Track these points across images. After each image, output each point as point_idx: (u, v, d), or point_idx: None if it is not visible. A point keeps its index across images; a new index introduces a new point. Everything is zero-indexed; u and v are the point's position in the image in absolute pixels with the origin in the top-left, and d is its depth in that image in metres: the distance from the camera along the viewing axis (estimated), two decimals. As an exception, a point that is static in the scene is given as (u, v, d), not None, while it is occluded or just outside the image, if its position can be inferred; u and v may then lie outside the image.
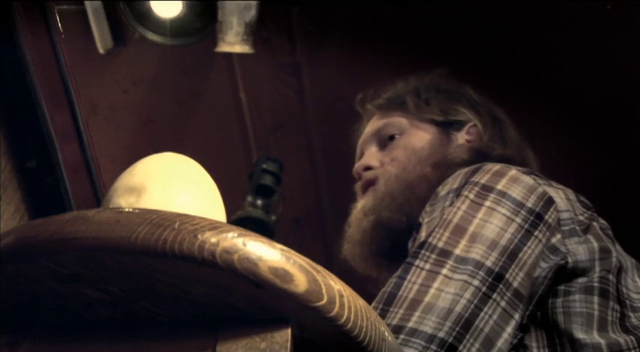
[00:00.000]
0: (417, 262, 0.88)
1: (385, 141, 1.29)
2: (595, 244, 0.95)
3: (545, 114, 1.72)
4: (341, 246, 1.29)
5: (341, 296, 0.57)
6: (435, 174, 1.15)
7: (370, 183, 1.26)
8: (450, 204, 0.94)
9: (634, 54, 1.68)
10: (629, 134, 1.76)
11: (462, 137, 1.27)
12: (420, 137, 1.27)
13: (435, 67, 1.37)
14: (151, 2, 1.68)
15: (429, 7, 1.72)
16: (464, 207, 0.92)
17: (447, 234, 0.89)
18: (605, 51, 1.70)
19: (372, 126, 1.34)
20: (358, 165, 1.30)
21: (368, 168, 1.28)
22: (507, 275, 0.87)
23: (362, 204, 1.25)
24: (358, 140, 1.39)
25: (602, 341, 0.87)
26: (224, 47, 1.64)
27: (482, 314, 0.83)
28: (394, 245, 1.14)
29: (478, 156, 1.19)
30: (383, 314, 0.84)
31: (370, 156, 1.29)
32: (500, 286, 0.86)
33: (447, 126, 1.28)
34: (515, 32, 1.74)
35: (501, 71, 1.63)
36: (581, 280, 0.92)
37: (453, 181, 0.98)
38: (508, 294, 0.86)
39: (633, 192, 1.74)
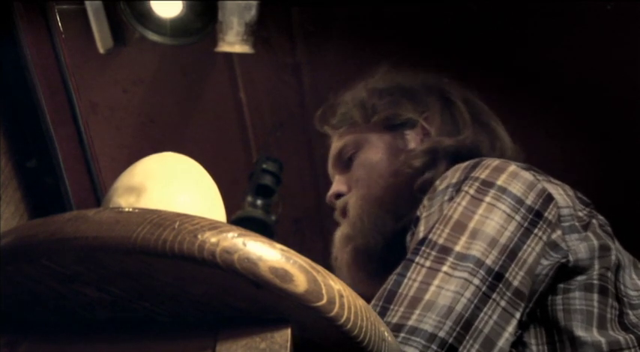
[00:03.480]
0: (417, 259, 0.87)
1: (346, 163, 1.29)
2: (595, 242, 0.95)
3: (545, 114, 1.72)
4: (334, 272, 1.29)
5: (341, 296, 0.57)
6: (400, 181, 1.14)
7: (344, 211, 1.26)
8: (450, 199, 0.94)
9: (634, 54, 1.68)
10: (629, 134, 1.76)
11: (417, 134, 1.25)
12: (374, 150, 1.26)
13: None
14: (151, 2, 1.68)
15: (429, 7, 1.72)
16: (464, 203, 0.92)
17: (447, 230, 0.89)
18: (605, 51, 1.69)
19: (333, 148, 1.33)
20: (329, 194, 1.30)
21: (339, 195, 1.28)
22: (507, 275, 0.86)
23: (340, 232, 1.25)
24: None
25: (603, 339, 0.87)
26: (224, 47, 1.64)
27: (481, 314, 0.83)
28: (382, 263, 1.13)
29: (430, 155, 1.18)
30: (383, 311, 0.83)
31: (338, 182, 1.29)
32: (500, 286, 0.85)
33: (400, 128, 1.27)
34: (515, 32, 1.74)
35: (501, 71, 1.63)
36: (580, 278, 0.92)
37: (452, 175, 0.98)
38: (508, 294, 0.86)
39: (633, 192, 1.73)
